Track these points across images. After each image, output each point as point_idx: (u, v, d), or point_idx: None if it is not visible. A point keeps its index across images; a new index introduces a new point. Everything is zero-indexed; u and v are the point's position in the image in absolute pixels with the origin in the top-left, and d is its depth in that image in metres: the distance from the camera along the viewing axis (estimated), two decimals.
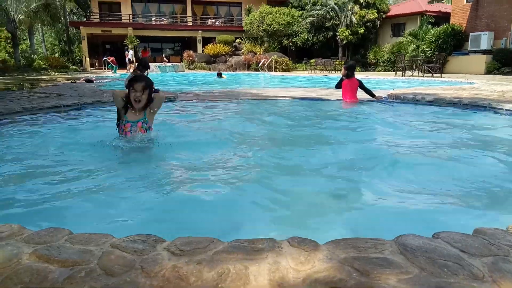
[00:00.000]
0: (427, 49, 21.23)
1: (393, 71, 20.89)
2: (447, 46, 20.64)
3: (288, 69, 26.73)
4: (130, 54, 24.18)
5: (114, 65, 24.73)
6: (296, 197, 2.28)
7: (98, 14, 32.96)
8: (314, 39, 30.33)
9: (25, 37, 39.88)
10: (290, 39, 30.79)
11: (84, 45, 30.98)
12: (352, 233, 1.63)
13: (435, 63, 17.66)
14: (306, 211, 2.06)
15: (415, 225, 1.86)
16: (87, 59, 30.76)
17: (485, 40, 18.93)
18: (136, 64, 8.23)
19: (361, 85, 6.92)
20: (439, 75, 16.90)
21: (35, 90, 9.89)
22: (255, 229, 1.83)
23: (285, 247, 1.30)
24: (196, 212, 2.04)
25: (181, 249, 1.28)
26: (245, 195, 2.30)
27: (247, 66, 27.85)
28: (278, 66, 26.38)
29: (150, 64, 27.65)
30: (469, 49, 19.94)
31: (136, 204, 2.15)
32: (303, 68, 26.58)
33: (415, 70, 18.71)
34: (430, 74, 17.10)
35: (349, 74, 6.97)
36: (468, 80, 12.84)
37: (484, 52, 19.02)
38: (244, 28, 31.05)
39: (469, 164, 2.91)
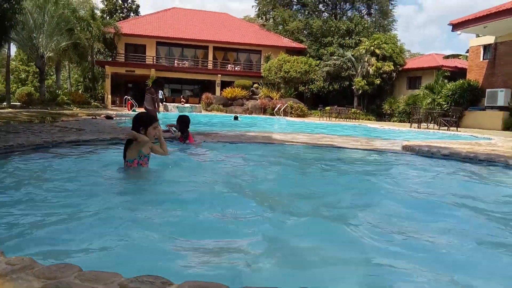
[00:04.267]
0: (443, 103, 21.35)
1: (408, 122, 20.95)
2: (464, 101, 20.74)
3: (303, 115, 27.08)
4: (160, 94, 25.71)
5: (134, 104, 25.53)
6: (308, 248, 2.25)
7: (123, 55, 34.46)
8: (330, 87, 30.94)
9: (52, 73, 41.81)
10: (306, 86, 31.44)
11: (108, 83, 32.21)
12: None
13: (451, 116, 17.69)
14: (317, 264, 2.03)
15: (434, 284, 1.81)
16: (109, 96, 31.83)
17: (502, 96, 18.98)
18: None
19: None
20: (455, 128, 16.86)
21: (56, 124, 10.19)
22: (264, 278, 1.81)
23: None
24: (206, 256, 2.02)
25: None
26: (255, 242, 2.28)
27: (263, 110, 28.33)
28: (293, 112, 26.77)
29: (169, 104, 28.49)
30: (485, 104, 19.97)
31: (145, 242, 2.15)
32: (318, 115, 26.90)
33: (430, 123, 18.74)
34: (446, 128, 17.08)
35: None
36: (484, 135, 12.77)
37: (501, 108, 19.02)
38: (262, 74, 31.96)
39: (485, 224, 2.84)
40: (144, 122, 3.91)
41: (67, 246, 2.05)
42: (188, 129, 6.95)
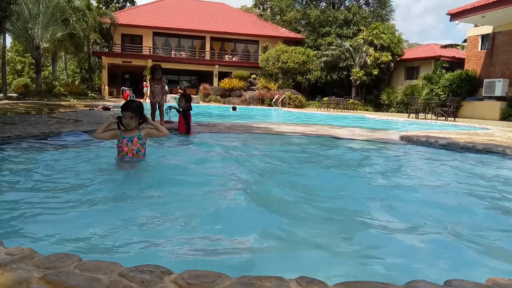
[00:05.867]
0: (441, 93, 21.36)
1: (406, 112, 20.96)
2: (461, 91, 20.74)
3: (301, 106, 27.03)
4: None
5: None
6: (306, 236, 2.26)
7: (120, 46, 34.19)
8: (328, 78, 30.83)
9: (48, 64, 41.45)
10: (304, 77, 31.32)
11: (104, 74, 32.00)
12: (362, 276, 1.60)
13: (449, 107, 17.70)
14: (316, 251, 2.04)
15: (425, 271, 1.82)
16: (106, 87, 31.67)
17: (499, 86, 18.98)
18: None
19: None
20: (452, 119, 16.89)
21: (53, 115, 10.14)
22: (263, 266, 1.81)
23: (293, 286, 1.28)
24: (206, 246, 2.03)
25: (188, 283, 1.28)
26: (253, 231, 2.29)
27: (261, 101, 28.26)
28: (291, 103, 26.71)
29: (167, 95, 28.55)
30: (483, 95, 19.98)
31: (145, 232, 2.16)
32: (316, 106, 26.85)
33: (428, 113, 18.76)
34: (443, 118, 17.10)
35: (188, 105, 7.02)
36: (482, 125, 12.79)
37: (498, 98, 19.04)
38: (260, 65, 31.80)
39: (482, 212, 2.86)
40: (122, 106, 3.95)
41: (66, 236, 2.05)
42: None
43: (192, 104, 7.26)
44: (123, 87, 28.24)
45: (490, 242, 2.28)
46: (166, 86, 10.24)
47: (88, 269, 1.35)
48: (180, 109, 7.08)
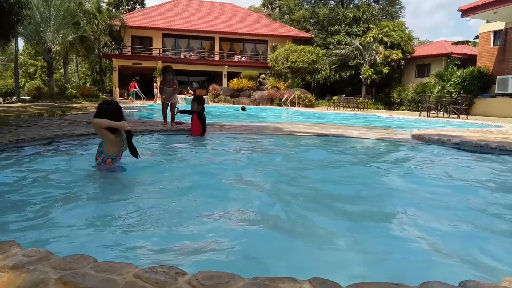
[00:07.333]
0: (453, 91, 21.09)
1: (417, 110, 20.75)
2: (473, 88, 20.45)
3: (311, 105, 26.93)
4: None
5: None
6: (319, 237, 2.26)
7: (130, 47, 34.46)
8: (337, 77, 30.66)
9: (60, 67, 42.01)
10: (313, 76, 31.20)
11: (115, 76, 32.28)
12: (376, 277, 1.60)
13: (461, 104, 17.47)
14: (330, 252, 2.03)
15: (440, 272, 1.81)
16: (117, 89, 31.94)
17: None
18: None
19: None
20: (465, 116, 16.67)
21: (66, 118, 10.27)
22: (276, 267, 1.82)
23: (307, 287, 1.28)
24: (219, 247, 2.04)
25: (202, 284, 1.29)
26: (267, 232, 2.29)
27: (271, 101, 28.23)
28: (301, 102, 26.64)
29: (178, 95, 28.95)
30: (496, 91, 19.67)
31: (159, 232, 2.17)
32: (326, 105, 26.72)
33: (440, 111, 18.54)
34: (455, 116, 16.89)
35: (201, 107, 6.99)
36: (495, 123, 12.60)
37: (511, 95, 18.73)
38: (269, 65, 31.76)
39: (498, 213, 2.82)
40: None
41: (81, 237, 2.08)
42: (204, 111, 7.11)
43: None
44: (133, 89, 28.52)
45: (505, 242, 2.25)
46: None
47: (103, 270, 1.36)
48: (192, 111, 7.09)
